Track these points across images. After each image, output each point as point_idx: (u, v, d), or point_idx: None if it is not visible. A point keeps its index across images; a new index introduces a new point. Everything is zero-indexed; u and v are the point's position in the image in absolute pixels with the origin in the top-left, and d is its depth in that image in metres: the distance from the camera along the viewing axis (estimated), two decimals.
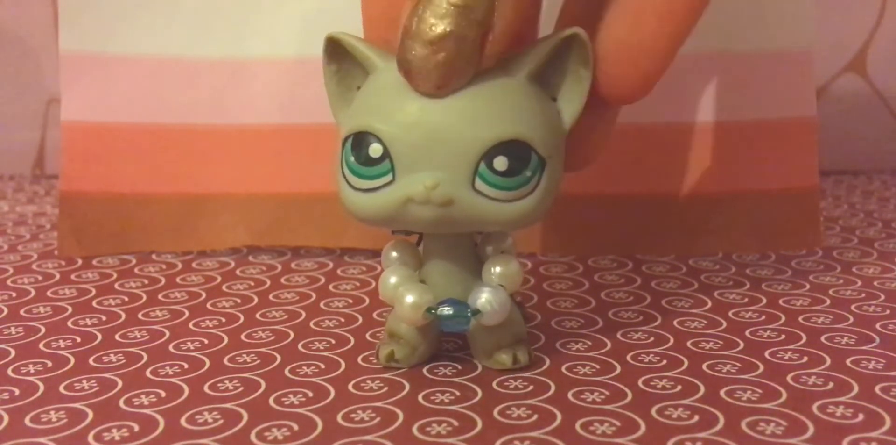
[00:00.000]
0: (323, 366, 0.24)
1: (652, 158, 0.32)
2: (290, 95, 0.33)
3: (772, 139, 0.32)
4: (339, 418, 0.21)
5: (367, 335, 0.26)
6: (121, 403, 0.22)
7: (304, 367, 0.24)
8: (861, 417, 0.20)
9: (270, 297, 0.29)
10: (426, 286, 0.23)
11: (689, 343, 0.25)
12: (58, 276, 0.31)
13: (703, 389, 0.22)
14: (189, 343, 0.25)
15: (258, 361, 0.24)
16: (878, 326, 0.26)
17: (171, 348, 0.25)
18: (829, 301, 0.28)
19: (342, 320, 0.27)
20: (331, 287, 0.30)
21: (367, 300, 0.29)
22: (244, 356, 0.24)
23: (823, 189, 0.42)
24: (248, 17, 0.33)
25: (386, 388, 0.22)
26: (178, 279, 0.31)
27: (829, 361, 0.23)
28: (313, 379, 0.23)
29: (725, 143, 0.32)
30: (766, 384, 0.22)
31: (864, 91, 0.45)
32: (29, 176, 0.49)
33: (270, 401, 0.22)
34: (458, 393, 0.22)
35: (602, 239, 0.33)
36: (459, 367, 0.23)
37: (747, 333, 0.25)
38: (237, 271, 0.32)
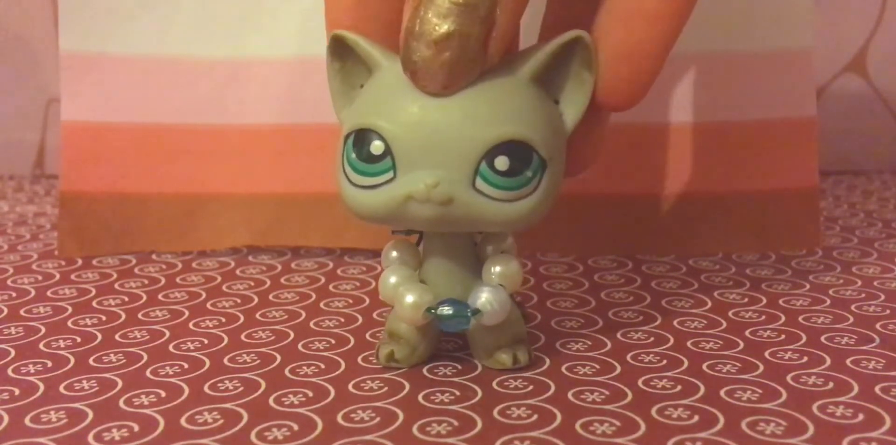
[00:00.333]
0: (323, 366, 0.24)
1: (652, 159, 0.32)
2: (290, 94, 0.33)
3: (772, 139, 0.32)
4: (339, 418, 0.21)
5: (367, 335, 0.26)
6: (121, 403, 0.22)
7: (304, 367, 0.24)
8: (861, 417, 0.20)
9: (270, 297, 0.29)
10: (426, 285, 0.23)
11: (689, 343, 0.25)
12: (58, 276, 0.31)
13: (703, 389, 0.22)
14: (189, 343, 0.25)
15: (258, 361, 0.24)
16: (878, 326, 0.26)
17: (171, 348, 0.25)
18: (829, 301, 0.28)
19: (342, 320, 0.27)
20: (331, 287, 0.30)
21: (367, 300, 0.29)
22: (244, 356, 0.24)
23: (823, 189, 0.42)
24: (247, 17, 0.32)
25: (386, 388, 0.22)
26: (178, 279, 0.31)
27: (829, 361, 0.23)
28: (313, 379, 0.23)
29: (725, 143, 0.32)
30: (766, 384, 0.22)
31: (864, 91, 0.45)
32: (29, 176, 0.48)
33: (270, 401, 0.22)
34: (458, 393, 0.22)
35: (602, 239, 0.33)
36: (459, 367, 0.23)
37: (747, 333, 0.25)
38: (237, 271, 0.32)
